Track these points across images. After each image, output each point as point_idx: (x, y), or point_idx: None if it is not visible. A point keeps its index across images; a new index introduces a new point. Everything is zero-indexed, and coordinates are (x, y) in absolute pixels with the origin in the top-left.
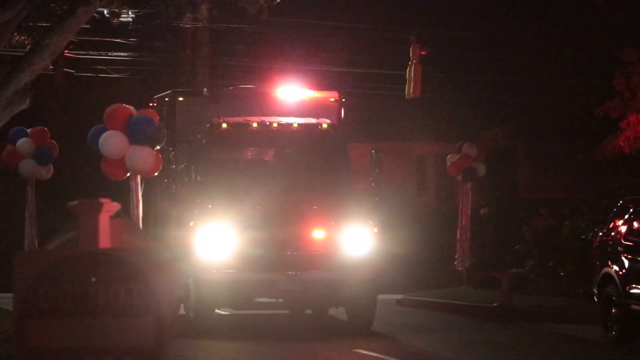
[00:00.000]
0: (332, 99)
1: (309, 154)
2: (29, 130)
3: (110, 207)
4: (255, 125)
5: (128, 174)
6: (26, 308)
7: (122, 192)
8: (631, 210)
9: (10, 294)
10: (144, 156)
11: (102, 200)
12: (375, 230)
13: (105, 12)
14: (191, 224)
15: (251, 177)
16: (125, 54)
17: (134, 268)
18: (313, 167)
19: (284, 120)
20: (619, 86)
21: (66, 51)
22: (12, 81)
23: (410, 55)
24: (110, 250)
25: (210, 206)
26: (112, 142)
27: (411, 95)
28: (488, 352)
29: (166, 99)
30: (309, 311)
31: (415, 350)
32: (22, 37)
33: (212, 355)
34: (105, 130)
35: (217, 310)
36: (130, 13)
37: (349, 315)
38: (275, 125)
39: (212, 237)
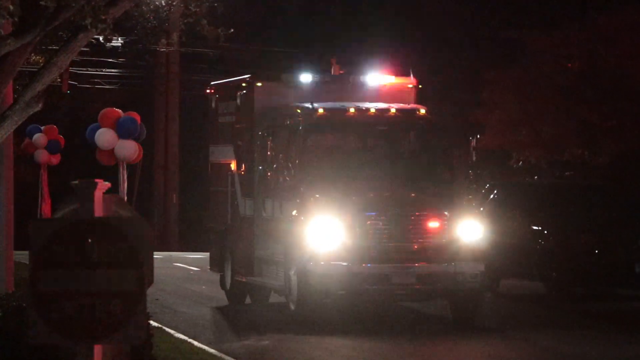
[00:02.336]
0: (410, 85)
1: (408, 140)
2: (42, 127)
3: (103, 186)
4: (352, 110)
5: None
6: (39, 262)
7: (111, 175)
8: (495, 191)
9: (27, 251)
10: (128, 147)
11: (97, 180)
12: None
13: (100, 38)
14: (294, 212)
15: (351, 164)
16: (115, 70)
17: (120, 231)
18: (414, 154)
19: (380, 105)
20: (485, 99)
21: (70, 68)
22: (28, 90)
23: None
24: (102, 218)
25: (314, 195)
26: (104, 136)
27: None
28: None
29: (243, 84)
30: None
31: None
32: (37, 57)
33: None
34: (99, 127)
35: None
36: (119, 39)
37: (454, 309)
38: (372, 110)
39: (320, 227)
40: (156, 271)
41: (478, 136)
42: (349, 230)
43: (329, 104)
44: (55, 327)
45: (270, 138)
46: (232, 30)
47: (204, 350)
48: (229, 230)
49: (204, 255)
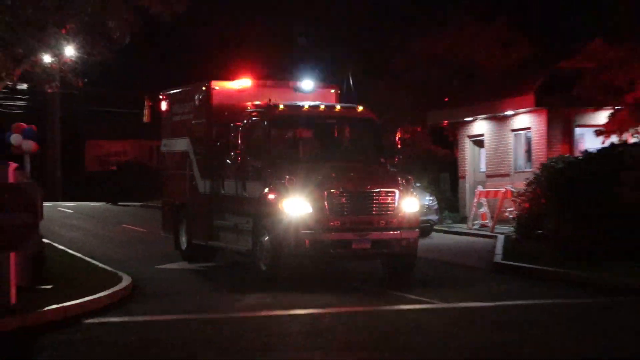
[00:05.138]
0: (332, 90)
1: (352, 132)
2: None
3: (14, 165)
4: (306, 107)
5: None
6: None
7: (19, 160)
8: None
9: None
10: (30, 145)
11: (10, 162)
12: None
13: (11, 84)
14: (266, 190)
15: (309, 150)
16: (22, 102)
17: (24, 190)
18: (358, 143)
19: (327, 103)
20: None
21: None
22: None
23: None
24: (14, 183)
25: (284, 176)
26: (16, 138)
27: (146, 120)
28: None
29: (202, 88)
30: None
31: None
32: None
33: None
34: (13, 133)
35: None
36: (24, 84)
37: (392, 267)
38: (322, 107)
39: (291, 202)
40: (46, 212)
41: (399, 132)
42: (316, 205)
43: (287, 102)
44: None
45: (231, 130)
46: (86, 80)
47: (74, 255)
48: (187, 204)
49: (76, 204)
